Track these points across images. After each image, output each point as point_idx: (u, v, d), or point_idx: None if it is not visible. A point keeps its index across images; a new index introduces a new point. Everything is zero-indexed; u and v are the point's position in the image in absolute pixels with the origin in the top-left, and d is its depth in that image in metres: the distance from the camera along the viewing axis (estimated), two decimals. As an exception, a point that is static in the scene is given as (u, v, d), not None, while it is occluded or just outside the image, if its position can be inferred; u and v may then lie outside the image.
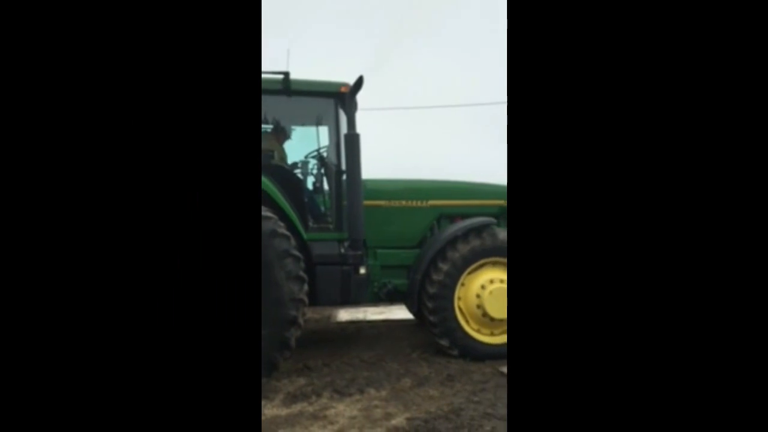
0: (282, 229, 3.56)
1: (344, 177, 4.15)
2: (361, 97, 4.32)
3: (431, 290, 4.09)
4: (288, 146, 4.72)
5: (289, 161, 4.63)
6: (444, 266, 4.10)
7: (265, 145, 4.29)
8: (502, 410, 2.99)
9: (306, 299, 3.64)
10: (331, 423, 2.88)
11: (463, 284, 4.16)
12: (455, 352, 4.09)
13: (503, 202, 4.79)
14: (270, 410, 3.08)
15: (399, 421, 2.88)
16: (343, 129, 4.26)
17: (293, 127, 4.83)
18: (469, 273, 4.17)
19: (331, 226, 4.30)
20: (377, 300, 4.58)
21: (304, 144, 4.71)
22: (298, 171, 4.58)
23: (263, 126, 4.40)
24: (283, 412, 3.05)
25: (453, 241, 4.17)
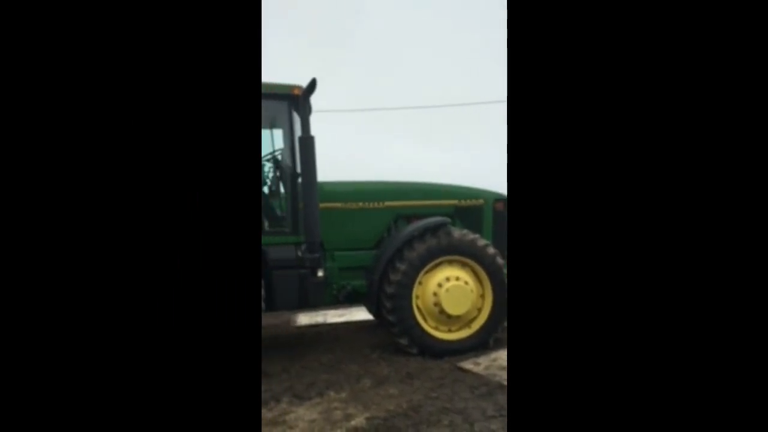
0: None
1: (299, 180, 4.13)
2: (314, 99, 4.32)
3: (389, 290, 4.13)
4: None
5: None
6: (401, 266, 4.14)
7: None
8: (460, 404, 3.06)
9: (263, 305, 3.59)
10: (291, 428, 2.86)
11: (420, 283, 4.22)
12: (414, 350, 4.14)
13: (457, 202, 4.92)
14: (227, 419, 3.02)
15: (359, 421, 2.89)
16: (298, 132, 4.23)
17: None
18: (426, 272, 4.23)
19: (287, 230, 4.26)
20: (336, 302, 4.58)
21: (258, 147, 4.67)
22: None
23: None
24: (241, 419, 3.00)
25: (410, 241, 4.22)
